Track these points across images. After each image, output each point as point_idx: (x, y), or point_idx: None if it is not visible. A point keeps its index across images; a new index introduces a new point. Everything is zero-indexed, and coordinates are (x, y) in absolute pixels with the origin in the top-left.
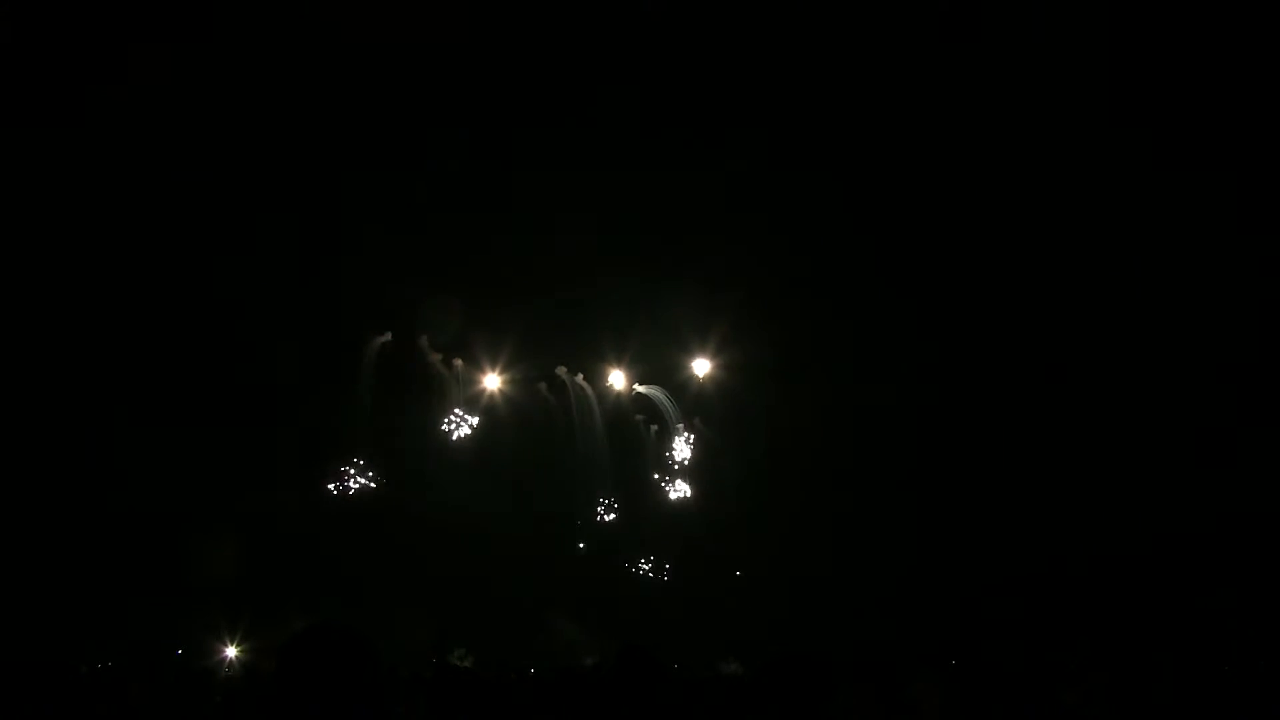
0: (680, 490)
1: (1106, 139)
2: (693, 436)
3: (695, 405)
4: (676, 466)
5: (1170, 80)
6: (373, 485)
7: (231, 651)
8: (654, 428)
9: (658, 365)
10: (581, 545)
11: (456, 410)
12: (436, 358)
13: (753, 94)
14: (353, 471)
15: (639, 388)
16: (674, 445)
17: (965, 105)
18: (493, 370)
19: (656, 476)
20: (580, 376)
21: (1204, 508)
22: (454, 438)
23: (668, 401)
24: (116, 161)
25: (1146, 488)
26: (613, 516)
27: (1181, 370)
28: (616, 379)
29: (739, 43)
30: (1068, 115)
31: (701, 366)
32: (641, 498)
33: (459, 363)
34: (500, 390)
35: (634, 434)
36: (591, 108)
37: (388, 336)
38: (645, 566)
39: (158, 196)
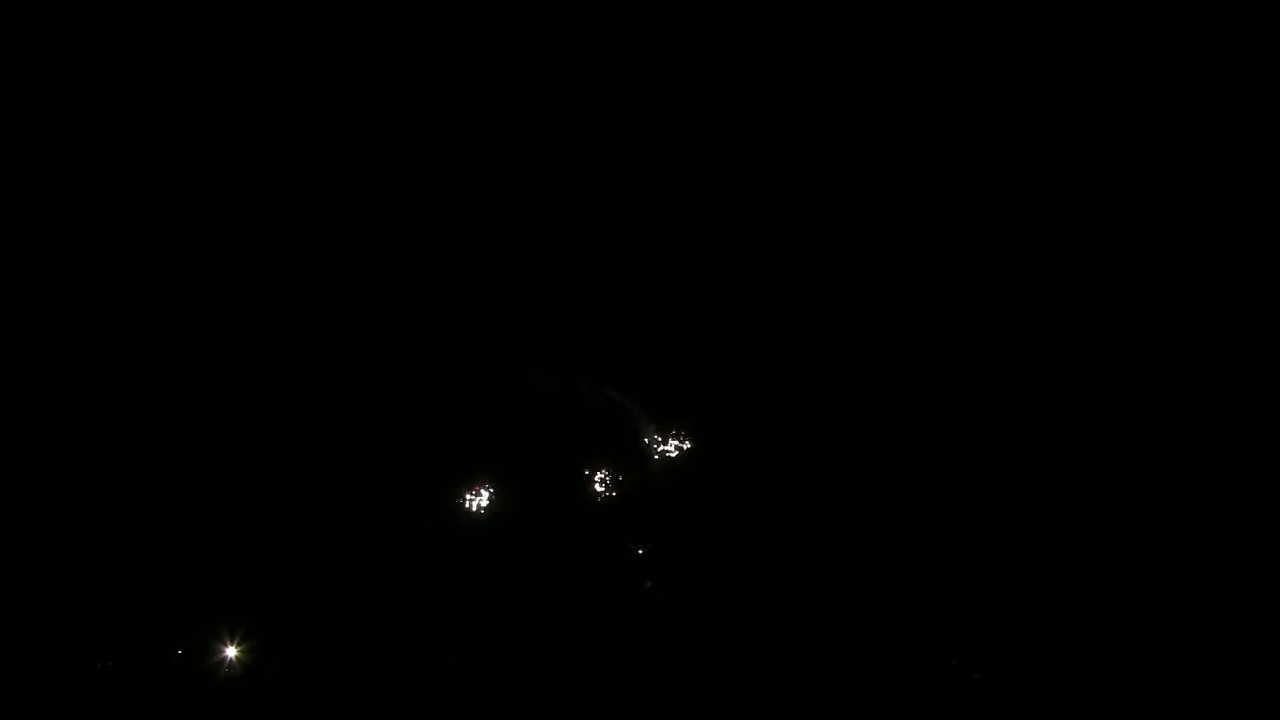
0: (666, 489)
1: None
2: (671, 437)
3: (673, 406)
4: (657, 470)
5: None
6: (370, 485)
7: (231, 651)
8: (630, 430)
9: (634, 368)
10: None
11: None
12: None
13: (745, 99)
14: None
15: (610, 390)
16: (649, 447)
17: (961, 119)
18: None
19: (641, 476)
20: (557, 380)
21: (1204, 507)
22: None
23: (639, 406)
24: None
25: (1145, 487)
26: (606, 516)
27: (1178, 371)
28: (590, 380)
29: (730, 47)
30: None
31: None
32: (629, 496)
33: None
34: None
35: (613, 435)
36: (584, 110)
37: (372, 339)
38: (642, 566)
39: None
